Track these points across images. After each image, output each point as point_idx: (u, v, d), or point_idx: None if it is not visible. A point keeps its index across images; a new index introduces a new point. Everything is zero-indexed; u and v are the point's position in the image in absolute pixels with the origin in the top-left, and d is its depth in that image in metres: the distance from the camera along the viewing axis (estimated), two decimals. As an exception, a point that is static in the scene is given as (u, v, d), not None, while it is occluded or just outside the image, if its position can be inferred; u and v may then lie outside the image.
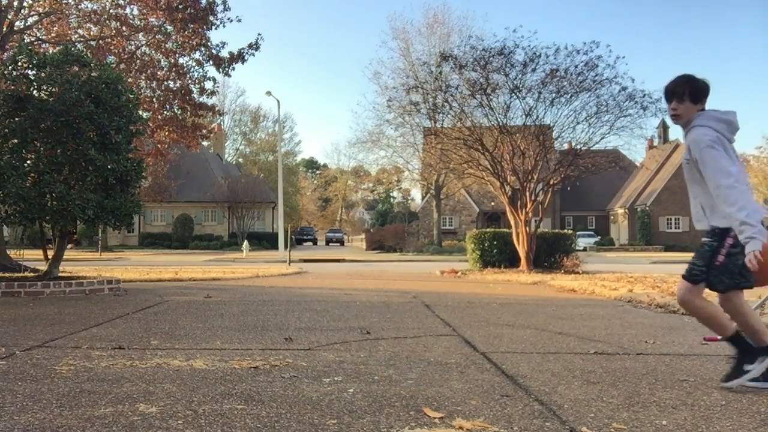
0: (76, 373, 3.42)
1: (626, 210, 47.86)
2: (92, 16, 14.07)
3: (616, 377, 3.42)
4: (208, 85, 15.20)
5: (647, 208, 44.98)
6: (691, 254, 3.30)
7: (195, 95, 15.05)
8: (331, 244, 59.01)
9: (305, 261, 23.30)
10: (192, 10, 13.84)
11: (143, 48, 14.70)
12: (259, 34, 15.19)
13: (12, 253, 12.52)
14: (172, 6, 13.54)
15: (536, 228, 14.25)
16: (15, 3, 12.80)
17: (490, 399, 2.93)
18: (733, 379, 3.12)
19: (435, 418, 2.60)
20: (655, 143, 50.63)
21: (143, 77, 14.50)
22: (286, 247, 26.07)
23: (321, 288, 10.07)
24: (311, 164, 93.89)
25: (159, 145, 16.12)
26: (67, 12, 13.83)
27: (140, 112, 11.02)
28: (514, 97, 14.19)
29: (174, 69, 14.62)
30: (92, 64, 8.84)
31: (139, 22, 14.37)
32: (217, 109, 17.11)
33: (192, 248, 39.75)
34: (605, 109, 13.87)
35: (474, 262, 15.23)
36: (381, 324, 5.56)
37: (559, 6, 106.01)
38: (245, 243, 29.34)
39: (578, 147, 14.55)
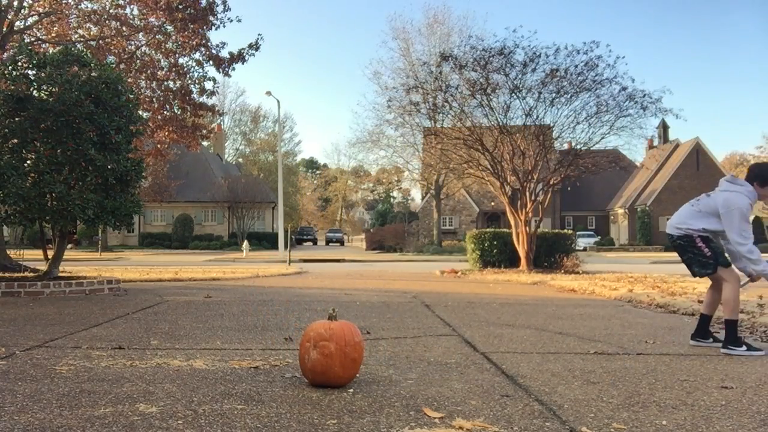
0: (76, 373, 3.42)
1: (626, 210, 47.85)
2: (92, 16, 14.06)
3: (616, 377, 3.42)
4: (208, 85, 15.22)
5: (647, 208, 44.97)
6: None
7: (195, 95, 15.05)
8: (331, 244, 59.02)
9: (305, 261, 23.30)
10: (192, 10, 13.83)
11: (143, 48, 14.69)
12: (259, 35, 15.21)
13: (12, 253, 12.51)
14: (172, 6, 13.53)
15: (536, 228, 14.25)
16: (15, 3, 12.79)
17: (490, 399, 2.93)
18: None
19: (435, 418, 2.60)
20: (655, 143, 50.58)
21: (143, 77, 14.49)
22: (286, 247, 26.07)
23: (321, 288, 10.07)
24: (311, 164, 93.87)
25: (159, 145, 16.11)
26: (67, 12, 13.82)
27: (140, 112, 11.03)
28: (514, 97, 14.19)
29: (174, 69, 14.62)
30: (92, 64, 8.83)
31: (139, 22, 14.37)
32: (217, 109, 17.11)
33: (192, 248, 39.74)
34: (605, 109, 13.87)
35: (474, 262, 15.23)
36: (381, 324, 5.56)
37: (559, 6, 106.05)
38: (245, 243, 29.33)
39: (578, 147, 14.54)
